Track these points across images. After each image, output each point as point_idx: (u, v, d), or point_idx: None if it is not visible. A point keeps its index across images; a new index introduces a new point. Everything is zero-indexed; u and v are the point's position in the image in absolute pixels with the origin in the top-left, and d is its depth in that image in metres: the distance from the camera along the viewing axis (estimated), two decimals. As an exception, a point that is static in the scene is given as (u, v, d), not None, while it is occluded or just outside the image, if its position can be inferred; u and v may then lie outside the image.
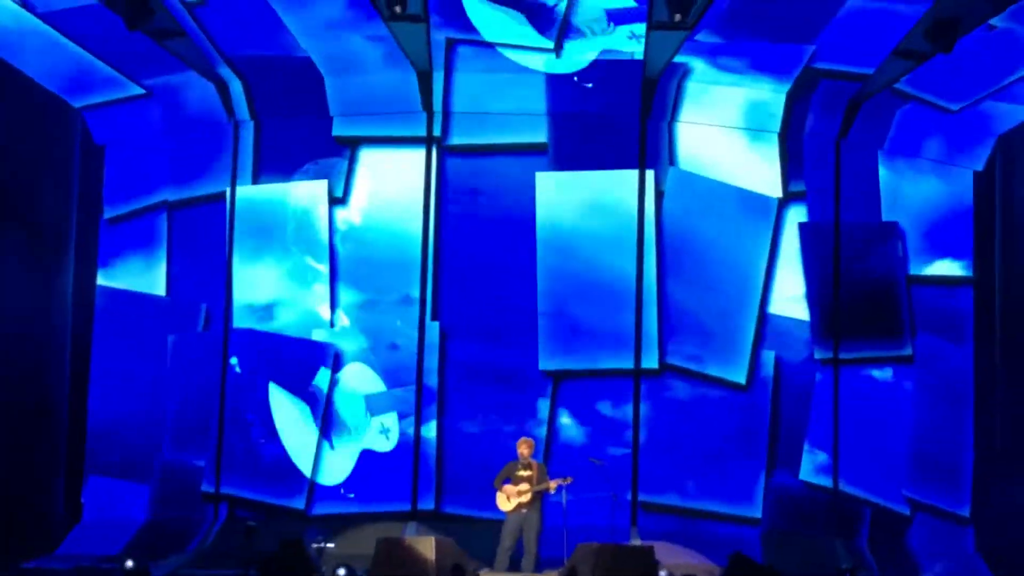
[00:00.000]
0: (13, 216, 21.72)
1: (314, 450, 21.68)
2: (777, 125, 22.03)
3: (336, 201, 22.09)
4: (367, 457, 21.62)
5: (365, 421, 21.72)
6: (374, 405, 21.72)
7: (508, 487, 18.37)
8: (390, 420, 21.65)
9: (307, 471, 21.59)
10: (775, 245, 22.07)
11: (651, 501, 21.36)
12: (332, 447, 21.68)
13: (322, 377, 21.79)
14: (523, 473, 18.40)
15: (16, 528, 21.01)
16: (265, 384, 21.90)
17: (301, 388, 21.82)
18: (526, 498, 18.30)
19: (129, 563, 19.73)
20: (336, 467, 21.66)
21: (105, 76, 21.92)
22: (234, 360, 21.97)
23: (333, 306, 21.94)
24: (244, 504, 21.63)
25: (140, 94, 22.42)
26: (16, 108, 21.84)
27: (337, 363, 21.81)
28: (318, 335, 21.90)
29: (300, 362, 21.86)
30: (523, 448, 18.57)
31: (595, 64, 21.27)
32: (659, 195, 21.83)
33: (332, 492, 21.61)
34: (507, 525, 18.37)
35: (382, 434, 21.66)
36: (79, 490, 22.46)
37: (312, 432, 21.72)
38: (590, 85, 19.22)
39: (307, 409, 21.79)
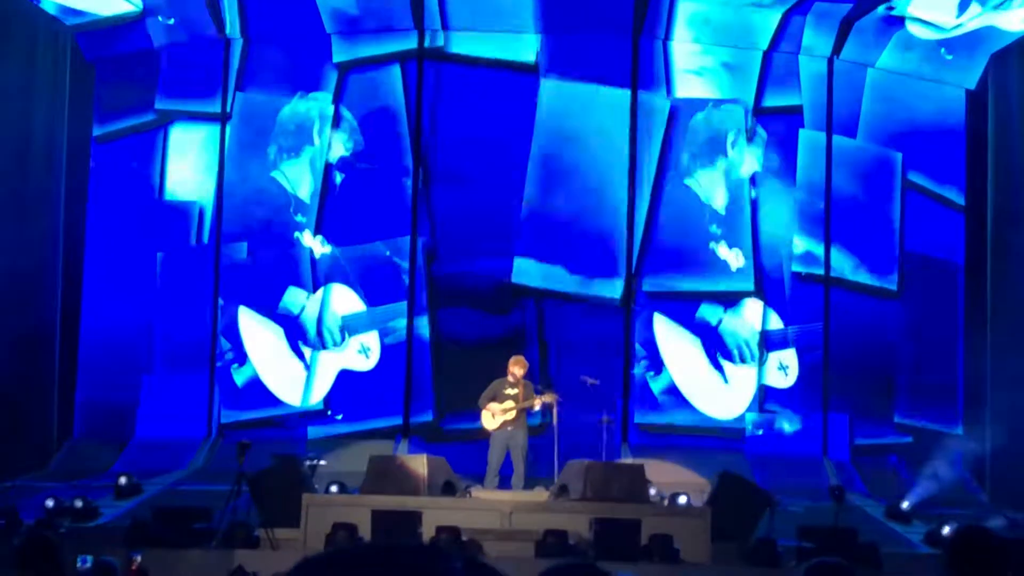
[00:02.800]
0: (3, 138, 21.59)
1: (292, 371, 21.69)
2: (766, 43, 21.94)
3: (326, 120, 22.00)
4: (346, 377, 21.63)
5: (345, 340, 21.71)
6: (354, 324, 21.69)
7: (493, 405, 18.20)
8: (371, 339, 21.62)
9: (282, 392, 21.61)
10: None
11: (643, 421, 21.44)
12: (310, 368, 21.67)
13: (304, 296, 21.76)
14: (509, 392, 18.24)
15: (8, 447, 21.03)
16: (248, 304, 21.90)
17: (279, 307, 21.81)
18: (511, 415, 18.16)
19: (122, 480, 19.83)
20: (315, 387, 21.68)
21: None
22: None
23: (318, 226, 21.92)
24: (237, 423, 21.69)
25: (131, 13, 22.26)
26: (5, 27, 21.65)
27: (319, 282, 21.80)
28: (302, 255, 21.87)
29: (282, 281, 21.85)
30: (515, 368, 18.37)
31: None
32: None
33: (324, 412, 21.66)
34: (493, 443, 18.30)
35: (361, 353, 21.62)
36: (71, 409, 22.49)
37: (290, 353, 21.73)
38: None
39: (282, 331, 21.78)
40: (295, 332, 21.76)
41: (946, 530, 18.10)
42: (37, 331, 22.02)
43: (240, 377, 21.84)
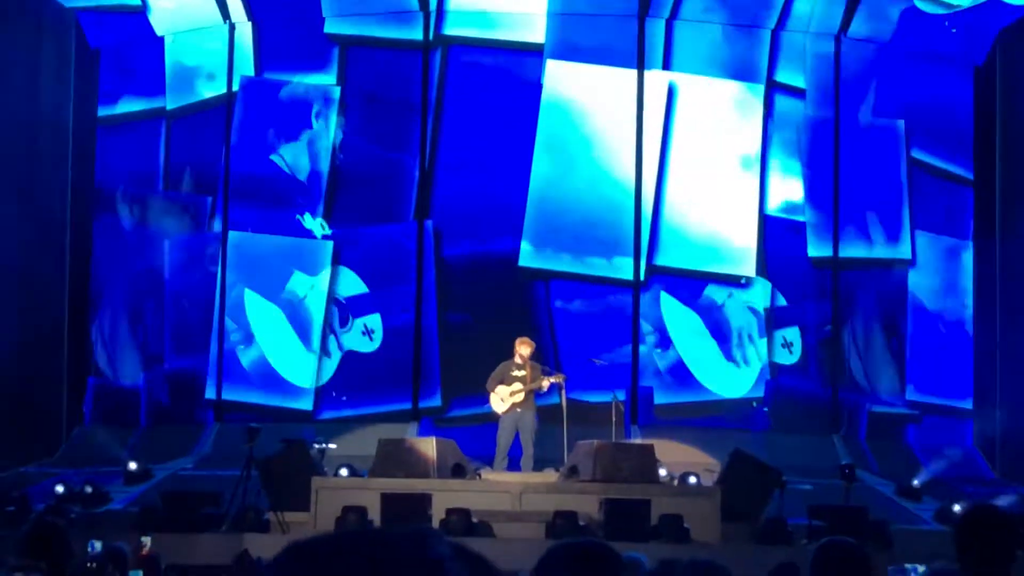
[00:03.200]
0: (11, 120, 21.57)
1: (297, 354, 21.64)
2: (773, 22, 21.85)
3: (332, 102, 21.94)
4: (350, 359, 21.58)
5: (348, 322, 21.66)
6: (359, 306, 21.63)
7: (501, 388, 18.19)
8: (373, 322, 21.56)
9: (289, 374, 21.58)
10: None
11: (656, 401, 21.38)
12: (315, 350, 21.62)
13: (309, 279, 21.71)
14: (517, 373, 18.22)
15: (19, 434, 21.06)
16: (253, 286, 21.86)
17: (284, 290, 21.77)
18: (519, 398, 18.15)
19: (132, 465, 19.85)
20: (320, 370, 21.64)
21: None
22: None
23: (321, 207, 21.85)
24: (245, 407, 21.66)
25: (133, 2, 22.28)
26: (11, 11, 21.63)
27: (325, 264, 21.75)
28: (307, 237, 21.82)
29: (287, 264, 21.80)
30: (522, 348, 18.35)
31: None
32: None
33: (330, 395, 21.61)
34: (502, 426, 18.29)
35: (364, 336, 21.56)
36: (81, 396, 22.50)
37: (293, 335, 21.69)
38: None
39: (283, 314, 21.73)
40: (301, 315, 21.69)
41: (956, 508, 18.08)
42: (47, 318, 22.04)
43: (247, 359, 21.81)
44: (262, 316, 21.77)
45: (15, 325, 21.22)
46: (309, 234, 21.80)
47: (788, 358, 21.71)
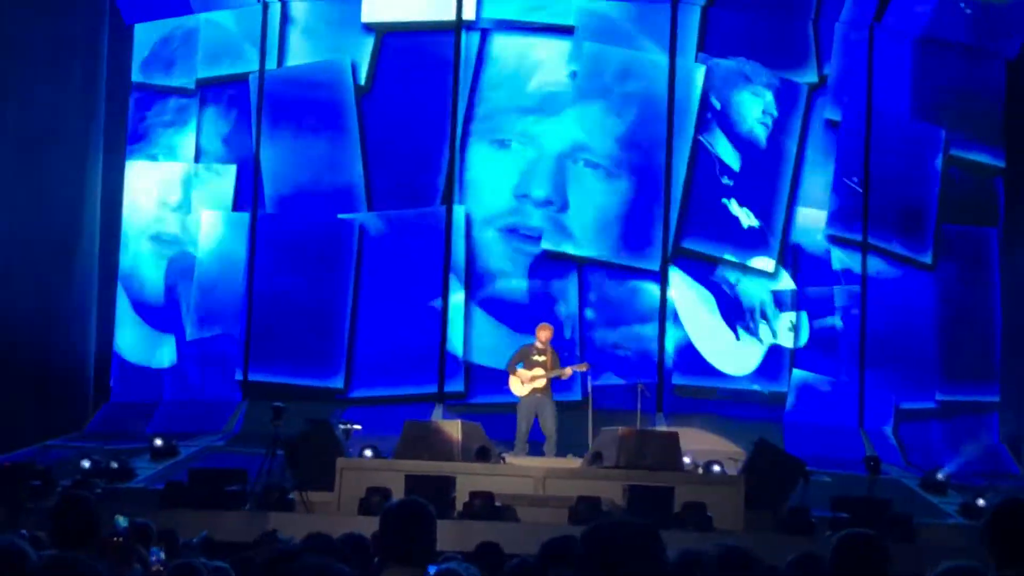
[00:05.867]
0: (44, 97, 21.63)
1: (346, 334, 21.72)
2: (808, 12, 21.81)
3: (361, 89, 21.94)
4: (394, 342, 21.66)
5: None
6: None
7: (522, 371, 18.22)
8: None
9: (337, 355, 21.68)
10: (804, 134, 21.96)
11: (681, 384, 21.38)
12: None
13: (348, 261, 21.78)
14: (538, 358, 18.25)
15: (45, 409, 21.16)
16: (290, 267, 21.91)
17: (325, 272, 21.82)
18: (540, 383, 18.20)
19: (158, 442, 19.92)
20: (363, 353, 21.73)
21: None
22: None
23: (360, 193, 21.87)
24: (271, 387, 21.71)
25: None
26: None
27: (363, 247, 21.79)
28: (344, 220, 21.87)
29: (326, 246, 21.85)
30: (542, 333, 18.37)
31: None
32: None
33: (362, 376, 21.66)
34: (521, 409, 18.32)
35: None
36: (108, 372, 22.59)
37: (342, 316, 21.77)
38: None
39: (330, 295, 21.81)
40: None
41: (981, 502, 18.04)
42: (74, 293, 22.13)
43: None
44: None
45: (43, 297, 21.30)
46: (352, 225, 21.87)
47: (792, 342, 21.64)
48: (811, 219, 21.88)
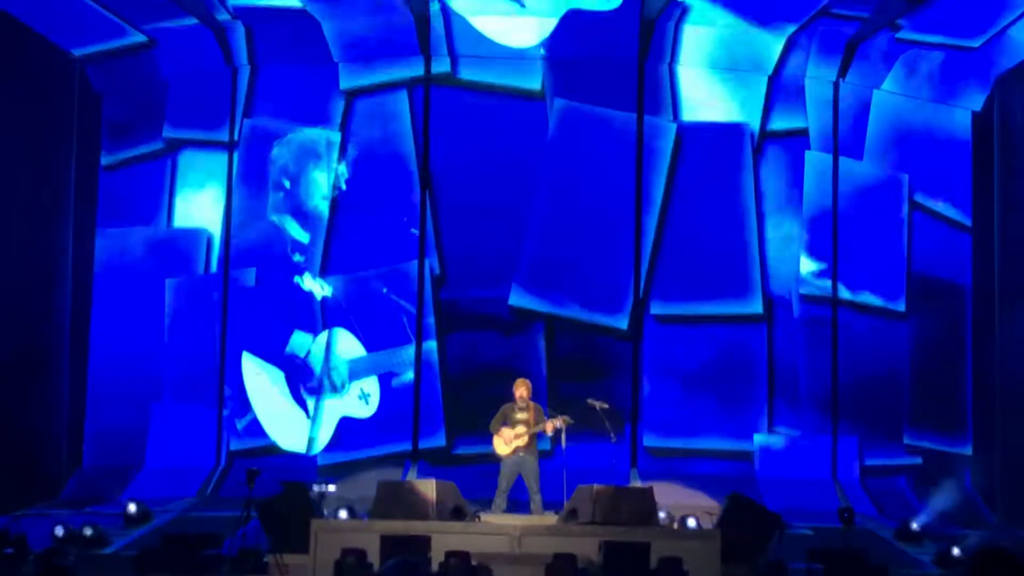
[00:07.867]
0: (13, 164, 21.67)
1: (294, 419, 21.71)
2: (771, 68, 22.03)
3: (332, 147, 22.06)
4: (346, 424, 21.67)
5: (346, 386, 21.69)
6: (358, 369, 21.67)
7: (505, 431, 18.18)
8: (371, 385, 21.58)
9: (283, 441, 21.67)
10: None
11: (651, 444, 21.45)
12: (310, 415, 21.69)
13: (306, 339, 21.79)
14: (520, 416, 18.22)
15: (18, 476, 21.06)
16: (251, 348, 21.93)
17: (286, 350, 21.85)
18: (523, 441, 18.16)
19: (132, 507, 19.84)
20: (319, 436, 21.71)
21: (104, 23, 21.87)
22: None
23: (320, 266, 21.95)
24: (245, 451, 21.70)
25: (140, 42, 22.37)
26: (14, 58, 21.76)
27: (324, 325, 21.82)
28: (303, 295, 21.91)
29: (287, 324, 21.90)
30: (520, 390, 18.29)
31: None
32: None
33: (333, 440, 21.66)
34: (504, 469, 18.27)
35: (361, 399, 21.57)
36: (81, 437, 22.51)
37: (287, 398, 21.76)
38: None
39: (282, 375, 21.79)
40: (298, 377, 21.77)
41: (956, 551, 18.09)
42: (46, 358, 22.09)
43: (241, 424, 21.89)
44: (259, 380, 21.83)
45: (14, 362, 21.26)
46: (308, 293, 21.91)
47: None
48: (784, 274, 22.03)
